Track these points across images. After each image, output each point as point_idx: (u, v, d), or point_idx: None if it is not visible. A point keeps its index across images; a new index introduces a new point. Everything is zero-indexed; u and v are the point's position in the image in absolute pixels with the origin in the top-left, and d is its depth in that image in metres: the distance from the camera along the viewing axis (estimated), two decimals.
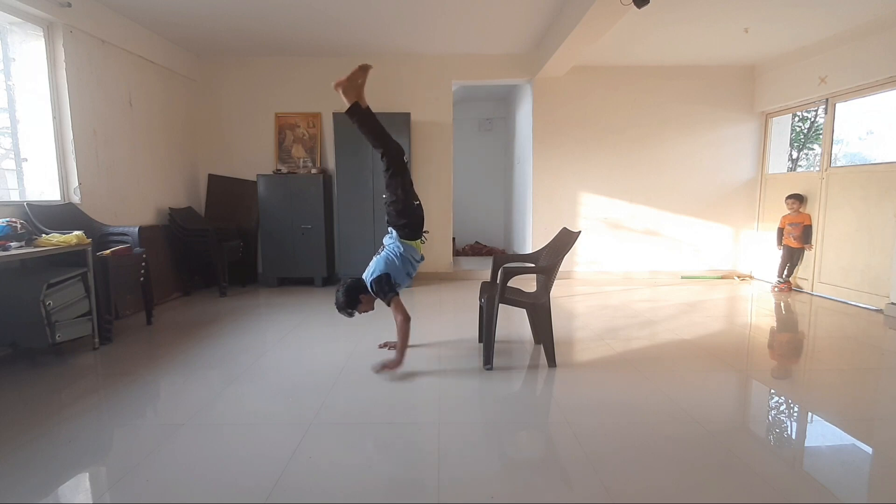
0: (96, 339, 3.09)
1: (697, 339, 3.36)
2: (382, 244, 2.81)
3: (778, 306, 4.46)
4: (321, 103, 5.45)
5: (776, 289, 5.10)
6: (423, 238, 2.83)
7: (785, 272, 5.09)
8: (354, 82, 2.64)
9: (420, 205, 2.83)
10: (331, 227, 5.36)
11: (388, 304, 2.64)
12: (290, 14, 4.17)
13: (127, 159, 4.26)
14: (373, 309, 2.76)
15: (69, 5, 3.49)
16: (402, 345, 2.64)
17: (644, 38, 4.62)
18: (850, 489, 1.65)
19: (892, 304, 3.95)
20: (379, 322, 3.79)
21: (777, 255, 5.17)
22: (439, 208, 5.62)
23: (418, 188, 5.54)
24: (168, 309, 4.26)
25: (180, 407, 2.29)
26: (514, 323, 3.67)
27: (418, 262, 2.80)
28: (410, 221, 2.77)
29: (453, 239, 6.46)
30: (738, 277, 5.71)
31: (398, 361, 2.63)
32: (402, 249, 2.72)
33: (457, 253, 7.27)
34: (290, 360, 2.94)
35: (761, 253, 5.61)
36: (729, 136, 5.64)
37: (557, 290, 4.79)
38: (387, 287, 2.61)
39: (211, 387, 2.51)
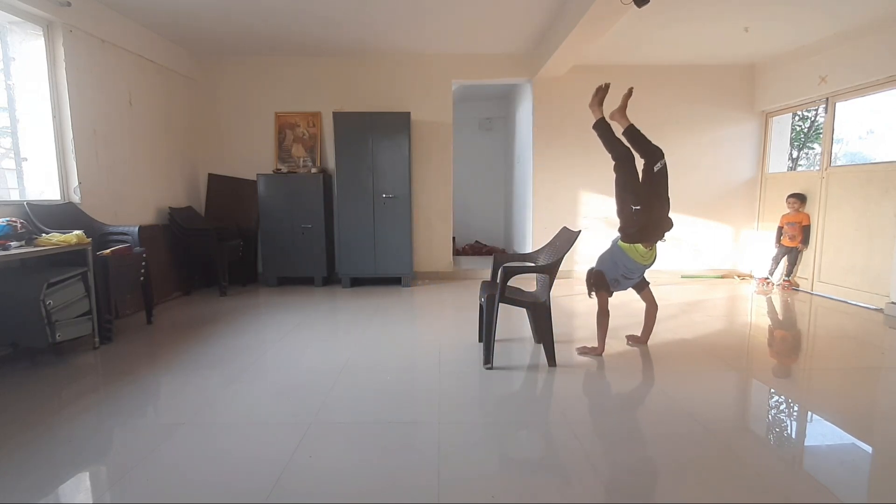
0: (96, 339, 3.09)
1: (697, 338, 3.36)
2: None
3: (777, 306, 4.46)
4: (321, 103, 5.45)
5: (760, 283, 5.25)
6: (646, 245, 2.84)
7: (783, 271, 5.11)
8: (600, 102, 2.98)
9: (644, 210, 2.80)
10: (331, 227, 5.36)
11: (589, 296, 2.99)
12: (290, 13, 4.16)
13: (127, 159, 4.26)
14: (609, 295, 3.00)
15: (69, 4, 3.49)
16: (599, 334, 2.95)
17: (644, 37, 4.62)
18: (850, 489, 1.64)
19: (892, 303, 3.95)
20: (379, 321, 3.79)
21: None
22: (439, 207, 5.62)
23: (416, 187, 5.58)
24: (168, 308, 4.26)
25: (180, 406, 2.29)
26: (514, 322, 3.67)
27: (634, 268, 2.89)
28: (623, 224, 2.91)
29: (453, 238, 6.46)
30: (738, 277, 5.71)
31: (599, 349, 2.95)
32: (614, 251, 2.93)
33: (457, 252, 7.27)
34: (291, 359, 2.94)
35: (761, 252, 5.60)
36: (729, 135, 5.63)
37: (557, 290, 4.79)
38: (594, 280, 2.95)
39: (211, 386, 2.51)
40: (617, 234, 2.99)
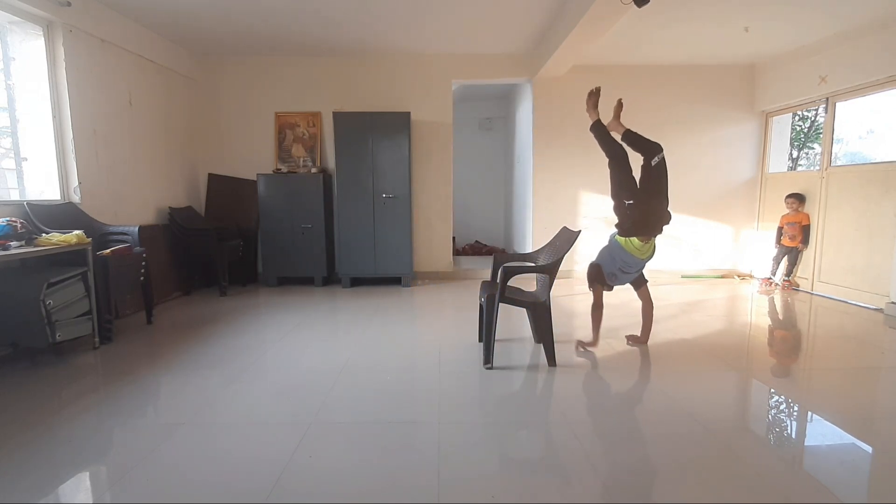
0: (96, 339, 3.09)
1: (697, 338, 3.36)
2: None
3: (777, 306, 4.46)
4: (321, 103, 5.45)
5: (762, 283, 5.25)
6: (641, 239, 2.90)
7: (783, 271, 5.12)
8: (595, 105, 3.10)
9: (637, 204, 2.89)
10: (331, 227, 5.36)
11: (590, 290, 3.06)
12: (290, 13, 4.16)
13: (127, 159, 4.26)
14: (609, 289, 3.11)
15: (69, 4, 3.49)
16: (593, 327, 3.05)
17: (644, 37, 4.62)
18: (850, 489, 1.65)
19: (892, 303, 3.95)
20: (379, 321, 3.79)
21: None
22: (439, 207, 5.62)
23: (416, 187, 5.58)
24: (168, 308, 4.26)
25: (180, 406, 2.29)
26: (514, 322, 3.67)
27: (631, 262, 2.94)
28: (620, 220, 3.00)
29: (453, 238, 6.46)
30: (739, 277, 5.71)
31: (593, 342, 3.05)
32: (611, 245, 3.02)
33: (457, 252, 7.27)
34: (291, 359, 2.94)
35: (761, 252, 5.60)
36: (729, 135, 5.63)
37: (557, 290, 4.79)
38: (593, 274, 3.02)
39: (211, 386, 2.51)
40: (615, 229, 3.07)
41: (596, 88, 3.10)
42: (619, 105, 3.11)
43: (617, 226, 3.03)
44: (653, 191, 2.89)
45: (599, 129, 3.04)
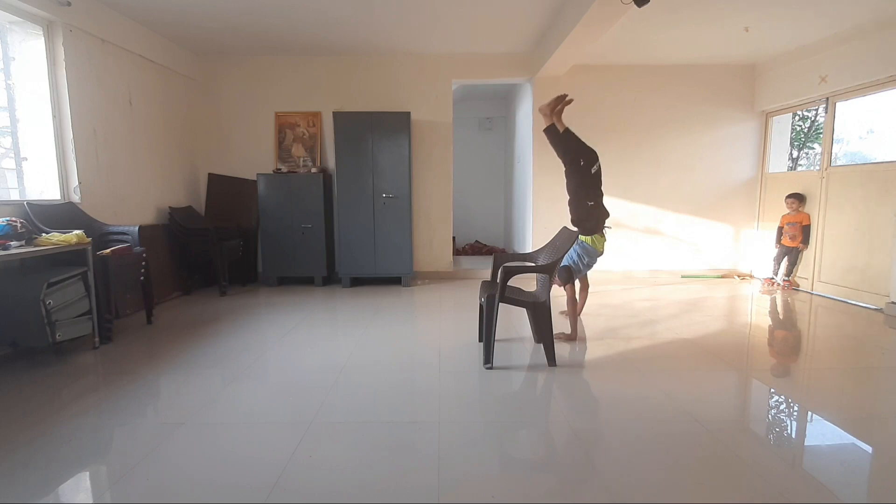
0: (96, 339, 3.09)
1: (698, 338, 3.36)
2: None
3: (778, 305, 4.46)
4: (321, 102, 5.45)
5: (765, 283, 5.26)
6: (601, 234, 3.33)
7: (783, 271, 5.12)
8: (554, 109, 3.27)
9: (595, 205, 3.28)
10: (331, 227, 5.36)
11: (562, 286, 3.35)
12: (290, 13, 4.16)
13: (127, 159, 4.26)
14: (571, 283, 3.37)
15: (69, 4, 3.48)
16: (571, 321, 3.31)
17: (644, 37, 4.62)
18: (850, 489, 1.65)
19: (892, 303, 3.95)
20: (379, 321, 3.80)
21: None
22: (439, 207, 5.62)
23: (416, 187, 5.58)
24: (168, 308, 4.26)
25: (180, 406, 2.29)
26: (514, 322, 3.67)
27: (595, 255, 3.35)
28: (582, 219, 3.32)
29: (453, 238, 6.45)
30: (739, 276, 5.71)
31: (573, 335, 3.25)
32: (581, 247, 3.31)
33: (457, 252, 7.27)
34: (291, 359, 2.94)
35: (761, 252, 5.61)
36: (729, 135, 5.63)
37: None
38: (565, 275, 3.32)
39: (211, 386, 2.51)
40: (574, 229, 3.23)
41: (563, 95, 3.25)
42: (567, 102, 3.24)
43: (578, 226, 3.29)
44: (600, 192, 3.31)
45: (554, 133, 3.28)
